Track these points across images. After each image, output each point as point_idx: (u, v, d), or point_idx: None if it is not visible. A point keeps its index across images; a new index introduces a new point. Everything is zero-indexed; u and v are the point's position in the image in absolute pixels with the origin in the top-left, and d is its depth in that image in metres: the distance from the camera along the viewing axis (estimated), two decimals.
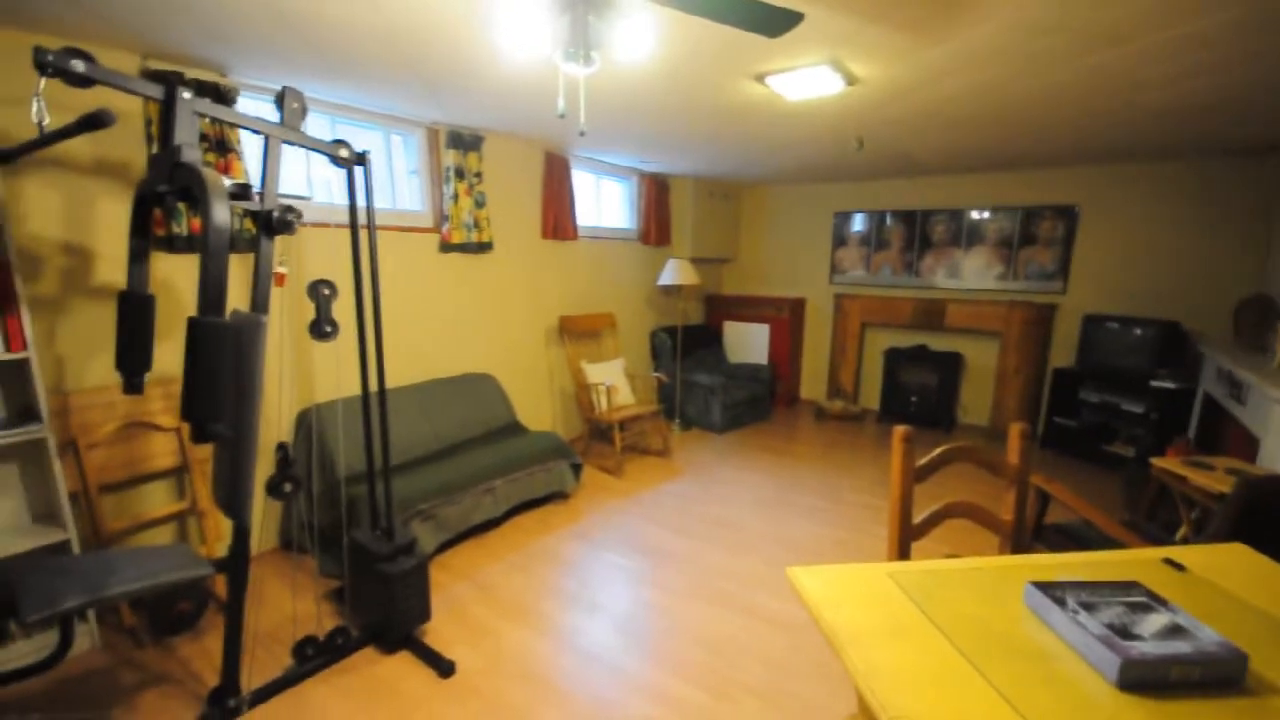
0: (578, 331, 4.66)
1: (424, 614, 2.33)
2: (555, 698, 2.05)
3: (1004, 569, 1.27)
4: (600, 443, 4.76)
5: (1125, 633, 0.97)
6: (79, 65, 1.45)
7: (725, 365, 5.91)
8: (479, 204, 3.69)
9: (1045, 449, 4.78)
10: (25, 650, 2.12)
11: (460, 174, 3.54)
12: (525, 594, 2.68)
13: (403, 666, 2.20)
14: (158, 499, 2.64)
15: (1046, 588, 1.10)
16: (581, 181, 4.73)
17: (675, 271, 4.98)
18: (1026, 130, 3.42)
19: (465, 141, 3.55)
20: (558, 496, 3.72)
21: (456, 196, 3.54)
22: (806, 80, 2.51)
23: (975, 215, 5.12)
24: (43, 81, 1.46)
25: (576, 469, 3.71)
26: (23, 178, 2.17)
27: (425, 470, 3.04)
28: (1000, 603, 1.14)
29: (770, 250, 6.35)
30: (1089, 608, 1.04)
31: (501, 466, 3.23)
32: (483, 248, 3.83)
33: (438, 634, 2.39)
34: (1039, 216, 4.85)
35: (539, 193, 4.26)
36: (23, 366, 2.09)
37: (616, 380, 4.46)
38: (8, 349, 2.01)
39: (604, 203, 5.10)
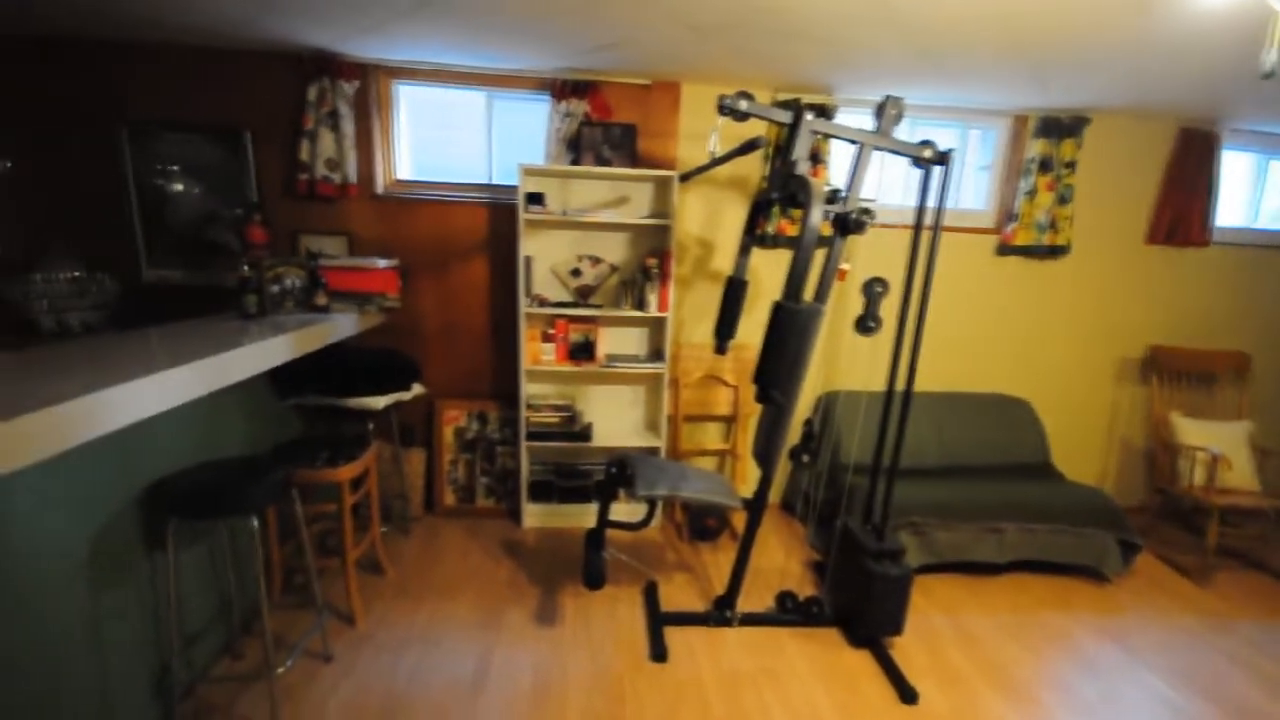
0: (1177, 369, 3.43)
1: (896, 626, 2.26)
2: None
3: None
4: (1176, 527, 3.45)
5: None
6: (743, 104, 1.91)
7: None
8: (1062, 199, 3.10)
9: None
10: (622, 511, 3.12)
11: (1045, 165, 3.05)
12: (1019, 668, 2.24)
13: (864, 666, 2.20)
14: (711, 436, 3.41)
15: None
16: (1234, 165, 3.36)
17: None
18: None
19: (1062, 127, 3.01)
20: (1089, 573, 2.92)
21: (1034, 192, 3.08)
22: None
23: None
24: (720, 120, 1.99)
25: (1128, 549, 2.81)
26: (687, 193, 3.07)
27: (925, 483, 2.88)
28: None
29: None
30: None
31: (1018, 509, 2.75)
32: (1054, 251, 3.23)
33: (905, 655, 2.27)
34: None
35: (1157, 183, 3.26)
36: (662, 323, 3.01)
37: (1231, 449, 3.09)
38: (659, 309, 2.92)
39: (1269, 192, 3.49)
